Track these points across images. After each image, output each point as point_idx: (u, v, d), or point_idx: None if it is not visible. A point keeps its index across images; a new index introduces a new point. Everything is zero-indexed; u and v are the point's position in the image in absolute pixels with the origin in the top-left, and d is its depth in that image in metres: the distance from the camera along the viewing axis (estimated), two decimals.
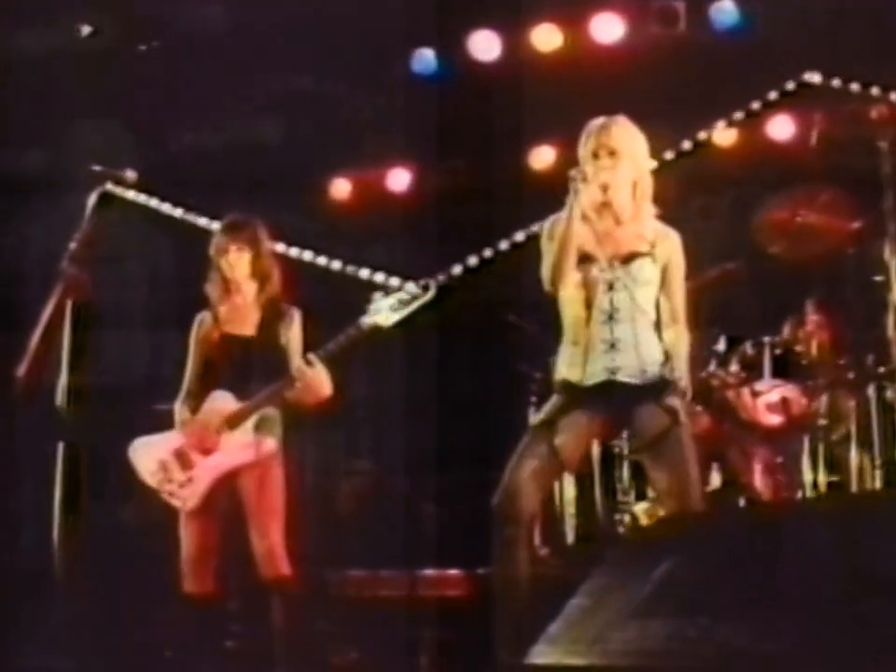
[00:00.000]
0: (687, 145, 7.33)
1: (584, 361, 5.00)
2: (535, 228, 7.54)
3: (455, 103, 7.82)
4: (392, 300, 5.35)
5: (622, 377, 4.98)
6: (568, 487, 6.69)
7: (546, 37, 7.87)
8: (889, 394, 6.07)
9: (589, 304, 5.01)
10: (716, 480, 6.32)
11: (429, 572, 6.49)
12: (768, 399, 6.22)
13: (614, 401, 4.99)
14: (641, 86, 7.48)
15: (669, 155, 7.27)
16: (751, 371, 6.40)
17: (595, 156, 5.02)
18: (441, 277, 7.52)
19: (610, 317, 4.99)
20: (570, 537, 6.69)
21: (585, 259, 5.01)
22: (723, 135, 7.48)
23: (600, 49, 7.76)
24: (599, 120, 5.11)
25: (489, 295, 7.47)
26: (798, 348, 6.44)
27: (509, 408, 6.96)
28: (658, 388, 4.97)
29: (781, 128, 7.53)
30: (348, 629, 6.15)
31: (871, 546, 4.08)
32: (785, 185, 6.82)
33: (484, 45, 7.97)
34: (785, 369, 6.40)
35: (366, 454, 7.59)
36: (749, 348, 6.42)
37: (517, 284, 7.40)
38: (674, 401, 4.98)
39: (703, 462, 5.71)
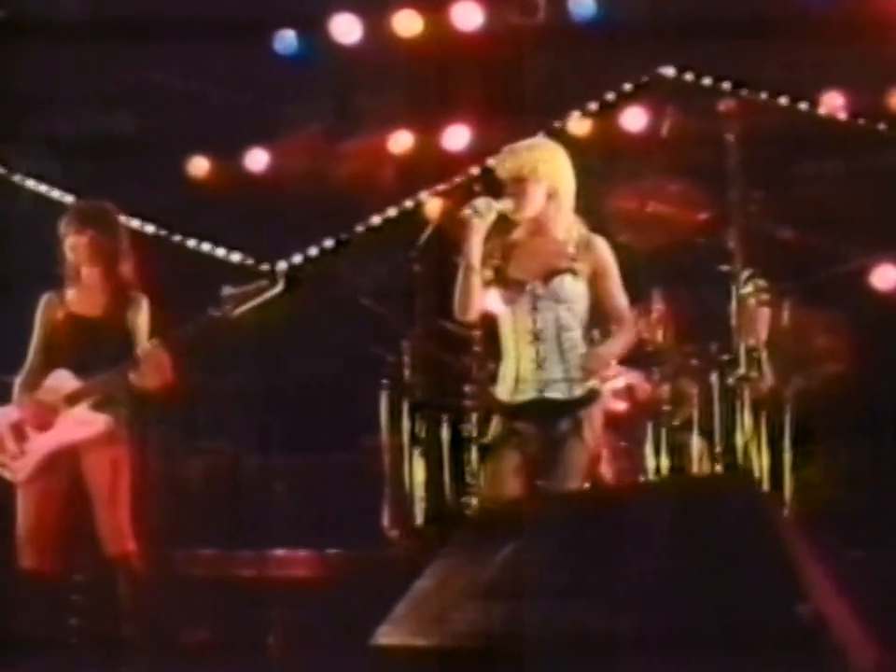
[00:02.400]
0: (542, 134, 7.44)
1: (515, 380, 5.21)
2: (391, 211, 7.67)
3: (315, 84, 7.85)
4: (240, 290, 5.45)
5: (548, 394, 5.18)
6: (418, 470, 6.78)
7: (407, 23, 7.93)
8: (729, 381, 6.26)
9: (515, 323, 5.20)
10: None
11: (280, 552, 6.54)
12: (613, 386, 6.35)
13: (542, 418, 5.19)
14: (499, 75, 7.59)
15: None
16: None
17: (514, 178, 5.16)
18: (297, 259, 7.59)
19: (536, 337, 5.17)
20: (419, 519, 6.77)
21: (511, 283, 5.19)
22: (578, 125, 7.61)
23: (460, 37, 7.85)
24: (520, 143, 5.28)
25: (343, 278, 7.52)
26: (644, 336, 6.59)
27: (361, 390, 7.02)
28: (583, 402, 5.20)
29: (634, 119, 7.66)
30: (198, 608, 6.17)
31: (710, 527, 4.22)
32: (636, 175, 6.98)
33: (345, 28, 8.00)
34: (631, 356, 6.54)
35: (219, 433, 7.58)
36: (596, 335, 6.56)
37: (371, 267, 7.49)
38: (582, 413, 5.18)
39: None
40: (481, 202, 5.15)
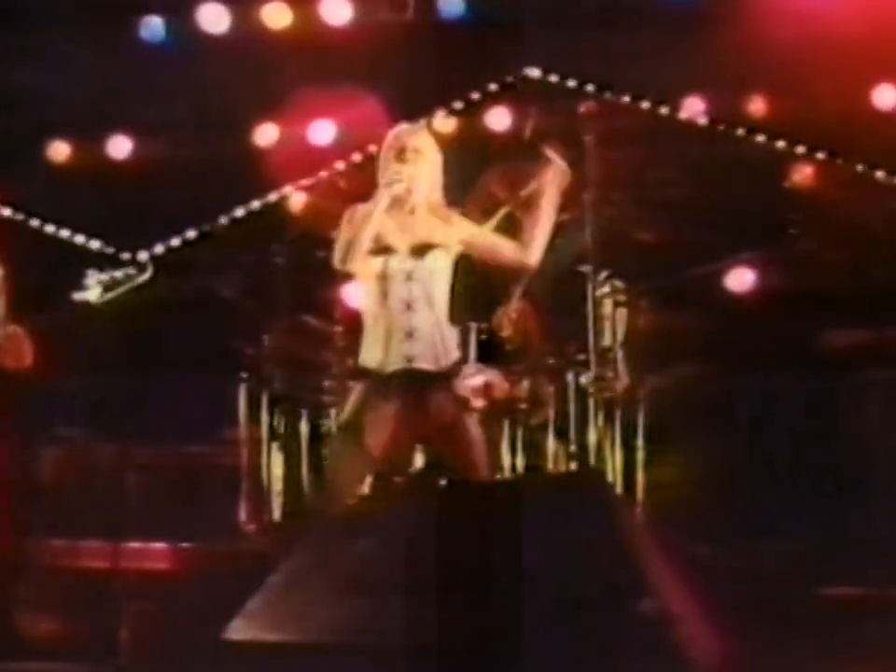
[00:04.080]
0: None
1: (384, 349, 5.31)
2: (255, 204, 7.64)
3: (181, 73, 7.79)
4: (106, 277, 5.39)
5: (418, 364, 5.31)
6: (276, 464, 6.78)
7: (276, 15, 7.91)
8: (582, 380, 6.36)
9: (387, 295, 5.30)
10: (419, 461, 6.49)
11: (134, 544, 6.48)
12: (472, 383, 6.39)
13: (412, 388, 5.31)
14: (367, 70, 7.60)
15: None
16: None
17: (401, 154, 5.36)
18: (158, 249, 7.53)
19: (408, 307, 5.30)
20: (277, 513, 6.77)
21: (385, 251, 5.32)
22: (443, 123, 7.65)
23: (329, 31, 7.85)
24: (405, 126, 5.56)
25: (205, 270, 7.47)
26: (503, 334, 6.65)
27: (221, 383, 6.99)
28: (451, 374, 5.35)
29: (498, 119, 7.73)
30: (48, 599, 6.10)
31: (561, 525, 4.30)
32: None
33: (213, 18, 7.96)
34: (490, 354, 6.61)
35: (74, 422, 7.49)
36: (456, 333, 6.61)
37: (234, 260, 7.46)
38: (464, 388, 5.36)
39: (407, 443, 5.90)
40: (394, 165, 5.33)
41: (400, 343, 5.30)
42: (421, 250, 5.34)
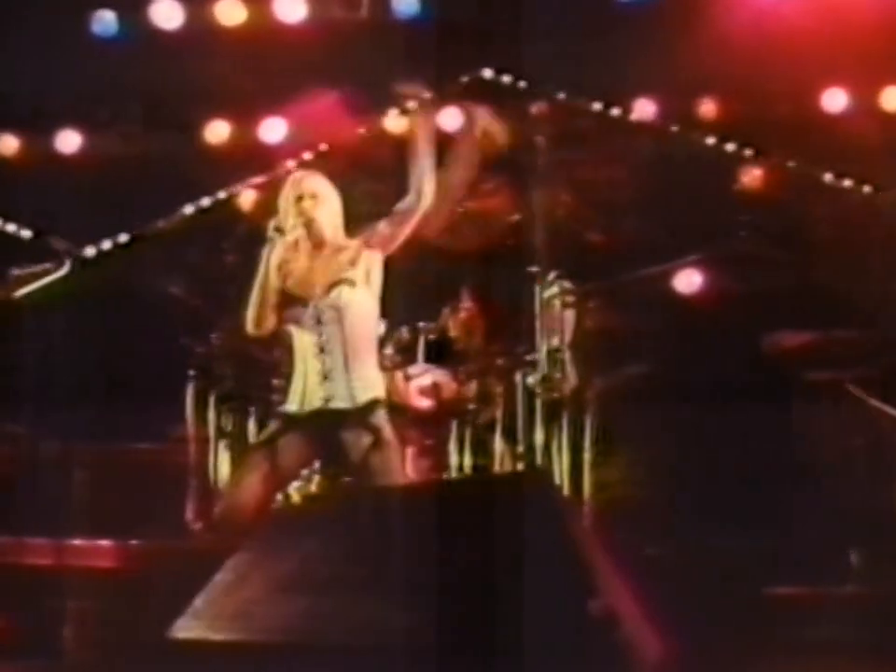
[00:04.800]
0: (361, 130, 7.49)
1: (302, 394, 5.42)
2: (205, 201, 7.61)
3: (134, 69, 7.76)
4: (27, 271, 5.36)
5: (333, 405, 5.39)
6: (224, 463, 6.75)
7: (229, 12, 7.88)
8: (530, 380, 6.37)
9: (301, 340, 5.43)
10: None
11: (79, 542, 6.45)
12: (420, 383, 6.42)
13: (326, 427, 5.39)
14: (320, 68, 7.59)
15: (342, 138, 7.44)
16: (406, 355, 6.61)
17: (299, 200, 5.45)
18: (106, 246, 7.49)
19: (322, 350, 5.38)
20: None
21: (295, 301, 5.41)
22: (396, 123, 7.65)
23: (282, 29, 7.84)
24: (299, 173, 5.68)
25: (154, 267, 7.45)
26: (452, 334, 6.67)
27: (169, 380, 6.97)
28: (367, 410, 5.39)
29: (451, 119, 7.74)
30: None
31: (508, 525, 4.31)
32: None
33: (166, 13, 7.92)
34: (439, 354, 6.63)
35: (18, 418, 7.44)
36: (404, 333, 6.62)
37: (183, 257, 7.43)
38: (379, 420, 5.40)
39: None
40: (292, 209, 5.42)
41: (317, 385, 5.39)
42: (327, 290, 5.41)
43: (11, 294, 5.36)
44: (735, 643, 5.41)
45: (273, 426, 5.54)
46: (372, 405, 5.41)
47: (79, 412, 7.06)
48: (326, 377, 5.37)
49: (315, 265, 5.45)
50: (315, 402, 5.39)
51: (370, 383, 5.43)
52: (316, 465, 6.09)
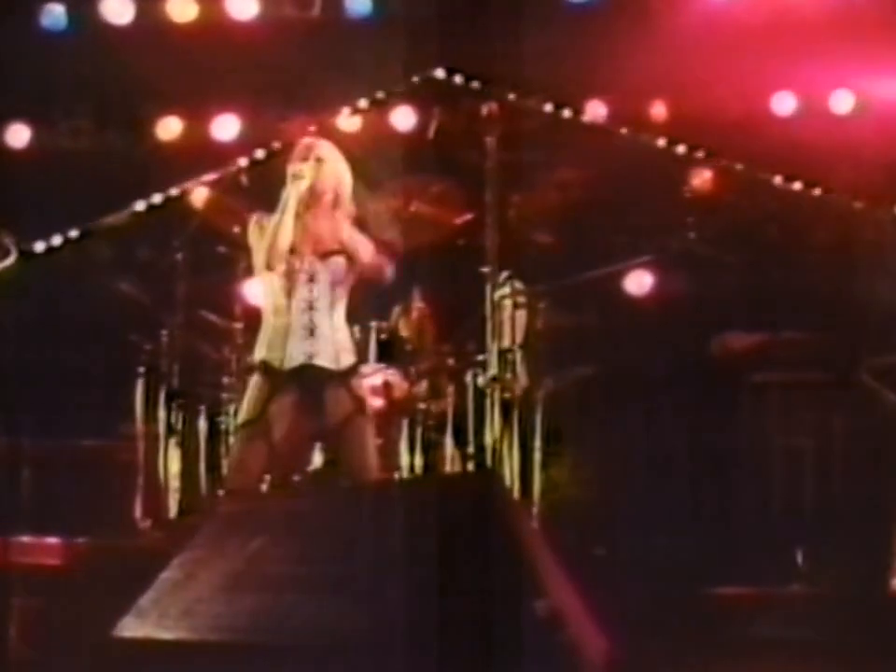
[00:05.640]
0: (313, 128, 7.47)
1: (284, 345, 5.49)
2: (155, 198, 7.57)
3: (84, 64, 7.72)
4: None
5: (318, 362, 5.50)
6: (173, 461, 6.72)
7: (181, 8, 7.85)
8: (480, 381, 6.38)
9: (290, 293, 5.50)
10: (318, 459, 6.47)
11: (25, 539, 6.40)
12: (371, 383, 6.40)
13: (311, 384, 5.51)
14: (271, 66, 7.57)
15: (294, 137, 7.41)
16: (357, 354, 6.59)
17: (304, 160, 5.58)
18: (56, 241, 7.43)
19: (310, 306, 5.51)
20: (173, 510, 6.71)
21: (290, 252, 5.50)
22: (348, 122, 7.64)
23: (234, 26, 7.81)
24: (309, 139, 5.82)
25: (103, 263, 7.41)
26: (403, 334, 6.67)
27: (117, 377, 6.94)
28: (349, 374, 5.56)
29: (403, 119, 7.74)
30: None
31: (455, 525, 4.31)
32: (401, 174, 7.05)
33: (117, 8, 7.88)
34: (390, 353, 6.63)
35: None
36: (356, 332, 6.60)
37: (133, 254, 7.40)
38: (363, 390, 5.64)
39: (305, 438, 5.93)
40: (307, 167, 5.55)
41: (302, 340, 5.48)
42: (325, 253, 5.54)
43: None
44: (679, 642, 5.43)
45: (253, 386, 5.56)
46: (353, 370, 5.58)
47: (27, 408, 7.01)
48: (312, 333, 5.49)
49: (316, 224, 5.57)
50: (298, 357, 5.49)
51: (349, 347, 5.61)
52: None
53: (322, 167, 5.58)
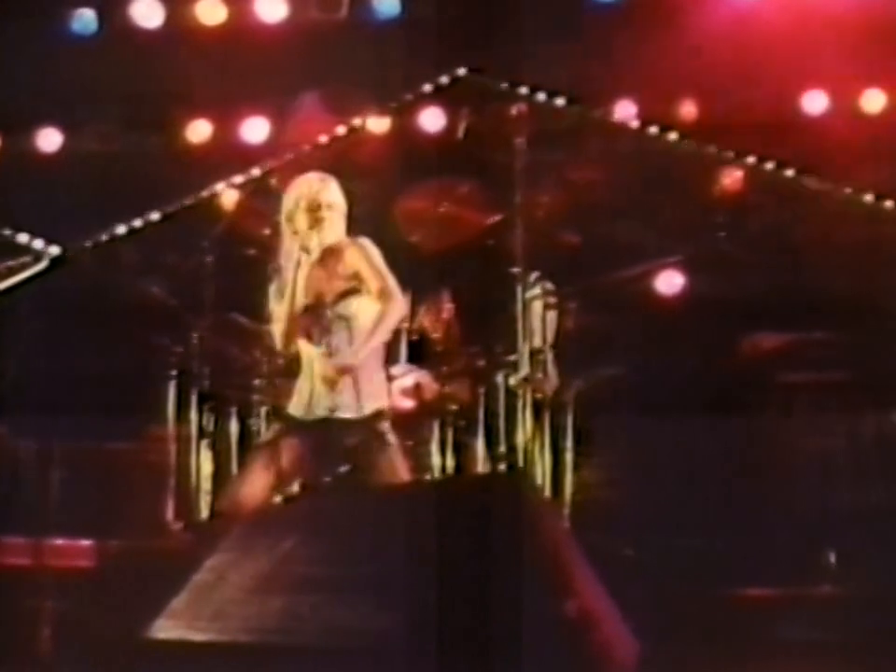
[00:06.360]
0: (342, 130, 7.49)
1: (309, 400, 5.44)
2: (185, 201, 7.60)
3: (115, 67, 7.76)
4: (2, 266, 5.35)
5: (340, 414, 5.42)
6: (205, 463, 6.74)
7: (210, 11, 7.89)
8: (511, 381, 6.38)
9: (311, 349, 5.43)
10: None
11: (57, 541, 6.43)
12: (402, 384, 6.41)
13: (330, 434, 5.43)
14: (301, 68, 7.59)
15: (323, 139, 7.43)
16: (388, 355, 6.59)
17: (314, 212, 5.42)
18: (87, 244, 7.47)
19: (329, 357, 5.39)
20: (205, 512, 6.74)
21: (305, 310, 5.40)
22: (377, 123, 7.65)
23: (263, 28, 7.84)
24: (311, 177, 5.54)
25: (134, 266, 7.44)
26: (433, 335, 6.67)
27: (148, 380, 6.96)
28: (372, 420, 5.44)
29: (432, 120, 7.75)
30: None
31: (486, 526, 4.32)
32: (430, 175, 7.06)
33: (147, 12, 7.92)
34: (420, 355, 6.63)
35: None
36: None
37: (163, 256, 7.42)
38: (383, 425, 5.46)
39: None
40: (302, 217, 5.40)
41: (324, 394, 5.41)
42: (334, 301, 5.42)
43: None
44: (709, 644, 5.42)
45: (276, 427, 5.56)
46: (378, 415, 5.46)
47: (58, 410, 7.05)
48: (333, 388, 5.39)
49: (321, 274, 5.45)
50: (320, 411, 5.42)
51: (376, 392, 5.47)
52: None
53: (332, 218, 5.44)
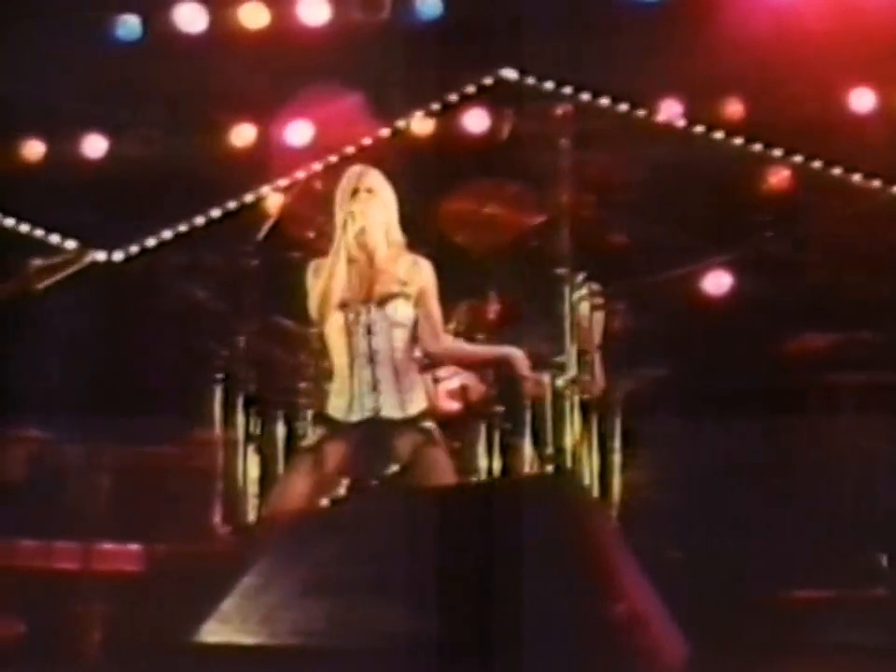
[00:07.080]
0: (386, 132, 7.50)
1: (350, 403, 5.38)
2: (230, 205, 7.62)
3: (159, 72, 7.78)
4: (46, 263, 5.36)
5: (383, 415, 5.38)
6: (252, 467, 6.75)
7: (253, 15, 7.90)
8: (559, 382, 6.35)
9: (350, 348, 5.36)
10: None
11: (106, 545, 6.45)
12: (448, 386, 6.40)
13: (377, 436, 5.39)
14: (344, 71, 7.59)
15: (367, 141, 7.44)
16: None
17: (354, 195, 5.40)
18: (133, 249, 7.51)
19: (371, 360, 5.35)
20: (252, 515, 6.75)
21: (343, 305, 5.35)
22: (421, 125, 7.64)
23: (306, 31, 7.84)
24: (357, 167, 5.54)
25: (179, 270, 7.46)
26: (479, 336, 6.65)
27: (194, 384, 6.97)
28: (417, 419, 5.41)
29: (476, 121, 7.73)
30: (16, 601, 6.06)
31: (534, 528, 4.29)
32: (474, 176, 7.05)
33: (190, 17, 7.94)
34: None
35: (45, 422, 7.46)
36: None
37: (208, 260, 7.43)
38: (429, 423, 5.44)
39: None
40: (347, 205, 5.38)
41: (366, 395, 5.36)
42: (380, 301, 5.38)
43: (33, 286, 5.33)
44: (757, 646, 5.39)
45: (320, 431, 5.51)
46: (423, 415, 5.45)
47: (103, 414, 7.07)
48: (375, 388, 5.35)
49: (368, 272, 5.40)
50: (364, 412, 5.38)
51: (418, 394, 5.46)
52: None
53: (373, 200, 5.40)
